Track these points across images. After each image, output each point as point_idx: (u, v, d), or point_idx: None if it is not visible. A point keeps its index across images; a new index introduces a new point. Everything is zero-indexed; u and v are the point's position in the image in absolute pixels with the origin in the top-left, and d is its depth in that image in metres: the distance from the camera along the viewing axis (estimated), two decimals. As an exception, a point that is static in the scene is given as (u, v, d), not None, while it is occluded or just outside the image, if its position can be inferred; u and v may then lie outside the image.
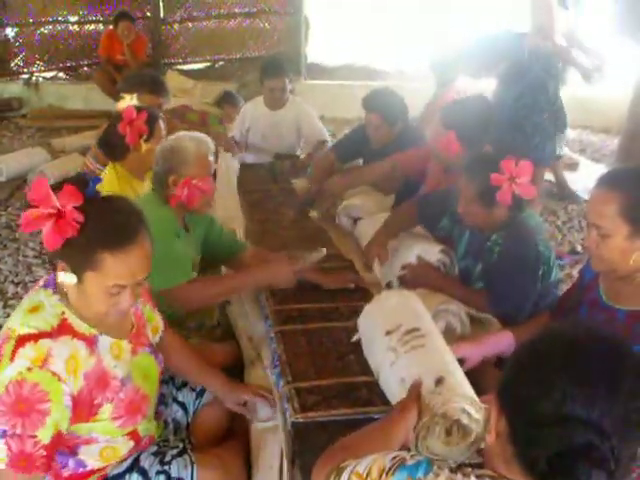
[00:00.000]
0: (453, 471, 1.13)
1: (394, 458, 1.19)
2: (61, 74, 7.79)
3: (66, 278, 1.57)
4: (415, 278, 2.73)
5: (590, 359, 1.07)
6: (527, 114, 4.03)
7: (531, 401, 1.07)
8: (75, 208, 1.49)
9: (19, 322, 1.56)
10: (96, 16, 7.59)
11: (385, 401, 2.04)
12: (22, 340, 1.52)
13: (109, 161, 3.04)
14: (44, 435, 1.50)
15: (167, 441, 1.94)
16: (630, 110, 6.05)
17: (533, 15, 3.90)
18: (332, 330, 2.46)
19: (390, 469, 1.17)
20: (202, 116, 5.25)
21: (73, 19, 7.59)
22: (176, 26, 7.79)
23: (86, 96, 7.25)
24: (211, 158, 2.51)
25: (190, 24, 7.83)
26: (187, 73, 7.72)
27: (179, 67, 7.85)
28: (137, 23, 7.21)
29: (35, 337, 1.53)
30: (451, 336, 2.33)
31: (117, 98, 3.85)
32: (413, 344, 1.96)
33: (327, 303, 2.67)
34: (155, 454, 1.85)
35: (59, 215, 1.48)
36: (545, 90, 4.02)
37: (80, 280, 1.56)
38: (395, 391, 1.87)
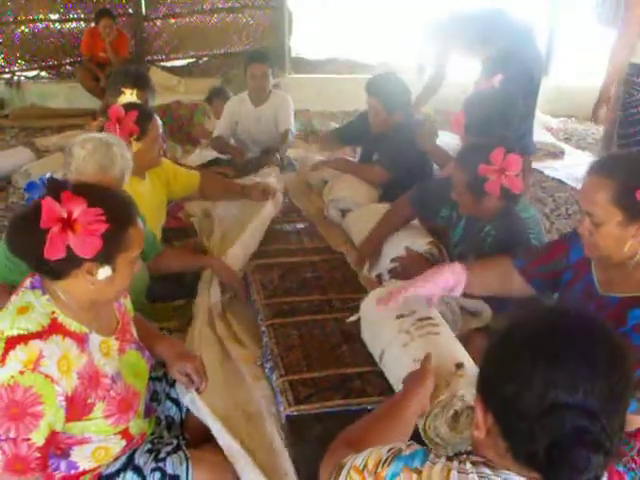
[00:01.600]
0: (450, 459, 1.12)
1: (390, 449, 1.18)
2: (43, 73, 7.71)
3: (104, 274, 1.57)
4: (405, 269, 2.73)
5: (562, 342, 1.06)
6: (513, 103, 4.08)
7: (514, 397, 1.05)
8: (87, 207, 1.50)
9: (8, 324, 1.52)
10: (77, 14, 7.51)
11: (379, 391, 2.05)
12: (12, 342, 1.49)
13: None
14: (38, 437, 1.48)
15: (161, 438, 1.92)
16: (613, 98, 6.09)
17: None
18: (323, 322, 2.47)
19: (386, 460, 1.16)
20: (191, 109, 5.23)
21: (54, 17, 7.51)
22: (158, 22, 7.73)
23: (69, 94, 7.18)
24: (108, 172, 2.31)
25: (173, 20, 7.77)
26: (171, 70, 7.68)
27: (162, 64, 7.79)
28: (119, 20, 7.15)
29: (25, 338, 1.50)
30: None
31: (100, 96, 3.81)
32: (429, 330, 1.99)
33: (317, 295, 2.68)
34: (149, 451, 1.83)
35: (69, 223, 1.48)
36: (530, 78, 4.03)
37: (113, 268, 1.58)
38: (405, 370, 1.86)
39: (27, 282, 1.65)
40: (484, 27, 3.97)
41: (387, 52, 8.84)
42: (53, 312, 1.58)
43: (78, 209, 1.49)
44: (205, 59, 8.06)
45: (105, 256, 1.55)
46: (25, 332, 1.51)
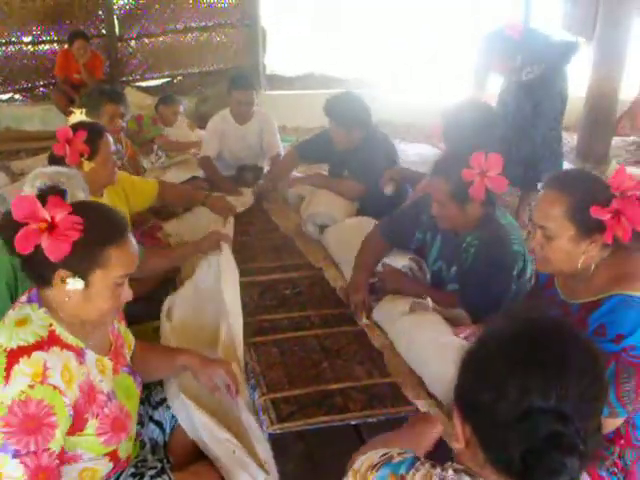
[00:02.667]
0: (433, 466, 1.14)
1: (383, 455, 1.21)
2: (17, 95, 7.67)
3: (74, 285, 1.56)
4: (386, 284, 2.75)
5: (533, 349, 1.07)
6: (537, 123, 4.17)
7: (489, 406, 1.06)
8: (69, 214, 1.51)
9: (6, 336, 1.52)
10: (50, 36, 7.49)
11: (361, 406, 2.06)
12: (14, 355, 1.49)
13: None
14: (56, 446, 1.51)
15: (145, 461, 1.91)
16: (586, 107, 6.19)
17: None
18: (303, 339, 2.47)
19: (376, 465, 1.19)
20: (138, 120, 5.22)
21: (27, 39, 7.48)
22: (132, 43, 7.72)
23: (44, 117, 7.14)
24: None
25: (146, 40, 7.77)
26: (146, 90, 7.67)
27: (137, 84, 7.79)
28: (92, 41, 7.13)
29: (26, 350, 1.50)
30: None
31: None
32: None
33: (297, 312, 2.68)
34: (133, 475, 1.82)
35: (52, 226, 1.49)
36: (562, 99, 4.16)
37: (87, 283, 1.57)
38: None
39: (24, 297, 1.66)
40: (526, 48, 4.03)
41: (360, 67, 8.91)
42: (50, 324, 1.59)
43: (60, 214, 1.51)
44: (180, 78, 8.06)
45: (76, 266, 1.55)
46: (25, 343, 1.51)
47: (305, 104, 7.63)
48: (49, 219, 1.50)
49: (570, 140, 6.85)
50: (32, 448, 1.46)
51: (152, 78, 7.94)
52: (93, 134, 2.79)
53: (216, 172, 4.54)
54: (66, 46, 6.99)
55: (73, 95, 6.72)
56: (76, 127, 2.79)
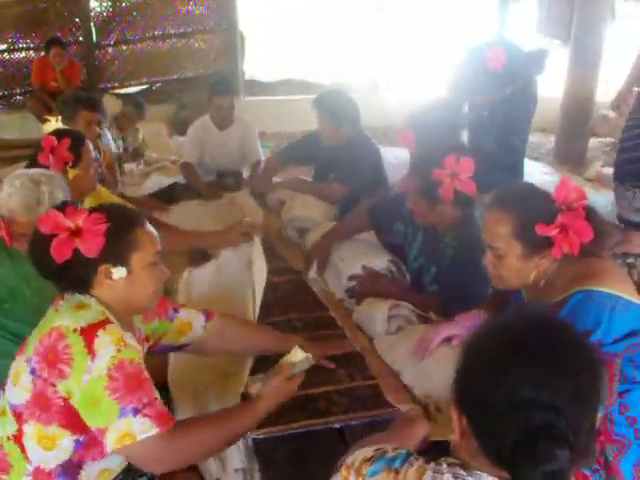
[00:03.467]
0: (427, 461, 1.17)
1: (378, 449, 1.24)
2: (-7, 104, 7.62)
3: (119, 274, 1.65)
4: (364, 288, 2.75)
5: (531, 343, 1.12)
6: (515, 129, 3.93)
7: (485, 395, 1.11)
8: (89, 215, 1.62)
9: (69, 319, 1.58)
10: (26, 43, 7.45)
11: (343, 410, 2.06)
12: (89, 332, 1.55)
13: None
14: (158, 396, 1.61)
15: (132, 471, 1.89)
16: (562, 109, 6.26)
17: None
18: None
19: (371, 458, 1.22)
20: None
21: (2, 47, 7.43)
22: (110, 50, 7.70)
23: (21, 125, 7.08)
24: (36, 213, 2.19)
25: (124, 47, 7.75)
26: (124, 97, 7.64)
27: (116, 91, 7.76)
28: (69, 49, 7.09)
29: (99, 325, 1.57)
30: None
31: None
32: None
33: (279, 317, 2.67)
34: None
35: (78, 230, 1.60)
36: (530, 118, 4.01)
37: (129, 269, 1.66)
38: None
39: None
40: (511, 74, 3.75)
41: (340, 72, 8.94)
42: (103, 311, 1.65)
43: (81, 218, 1.62)
44: (158, 85, 8.05)
45: (115, 255, 1.64)
46: (94, 321, 1.58)
47: (284, 110, 7.66)
48: (72, 226, 1.60)
49: (547, 142, 6.93)
50: (145, 401, 1.55)
51: (130, 85, 7.92)
52: (76, 141, 2.80)
53: (197, 178, 4.54)
54: (43, 53, 6.95)
55: (50, 103, 6.68)
56: (59, 135, 2.79)
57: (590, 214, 1.83)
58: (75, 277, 1.64)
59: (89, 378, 1.52)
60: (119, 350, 1.55)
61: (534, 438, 1.05)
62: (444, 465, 1.14)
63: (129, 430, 1.52)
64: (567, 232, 1.77)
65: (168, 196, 4.34)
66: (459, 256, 2.50)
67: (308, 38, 11.90)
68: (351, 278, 2.81)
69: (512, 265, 1.87)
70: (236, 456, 1.97)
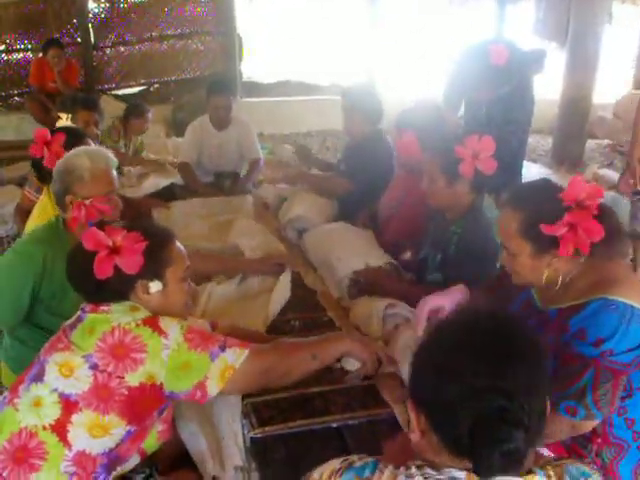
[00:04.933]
0: (397, 467, 1.18)
1: (344, 460, 1.24)
2: (-9, 105, 7.63)
3: (156, 287, 1.77)
4: (367, 283, 2.75)
5: (480, 335, 1.18)
6: (513, 129, 3.91)
7: (439, 389, 1.16)
8: (127, 232, 1.73)
9: (130, 317, 1.70)
10: (24, 44, 7.45)
11: (342, 409, 2.06)
12: (151, 320, 1.70)
13: (44, 186, 2.97)
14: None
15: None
16: (559, 111, 6.28)
17: None
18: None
19: (339, 470, 1.22)
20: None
21: (0, 48, 7.43)
22: (108, 51, 7.71)
23: (19, 126, 7.10)
24: (113, 173, 2.43)
25: (122, 48, 7.76)
26: (122, 98, 7.65)
27: (113, 92, 7.77)
28: (67, 50, 7.10)
29: (155, 316, 1.72)
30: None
31: (51, 126, 3.79)
32: None
33: (277, 316, 2.67)
34: (122, 478, 1.83)
35: (117, 248, 1.70)
36: (529, 118, 4.01)
37: (164, 283, 1.79)
38: None
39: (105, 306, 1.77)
40: (511, 70, 3.76)
41: (338, 73, 8.96)
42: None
43: (120, 236, 1.72)
44: (156, 86, 8.05)
45: (152, 271, 1.76)
46: (148, 315, 1.72)
47: (282, 111, 7.67)
48: (111, 244, 1.71)
49: (545, 144, 6.95)
50: (222, 338, 1.75)
51: (128, 86, 7.93)
52: (73, 137, 2.80)
53: (195, 179, 4.55)
54: (41, 54, 6.95)
55: (48, 104, 6.68)
56: (55, 131, 2.82)
57: (606, 214, 1.80)
58: (112, 291, 1.75)
59: (169, 352, 1.66)
60: (180, 322, 1.73)
61: (490, 422, 1.10)
62: (413, 468, 1.16)
63: (226, 364, 1.70)
64: (576, 231, 1.75)
65: (166, 197, 4.34)
66: (463, 245, 2.54)
67: (306, 40, 11.92)
68: (356, 274, 2.81)
69: (525, 263, 1.87)
70: (236, 454, 1.98)
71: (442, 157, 2.54)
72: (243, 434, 2.01)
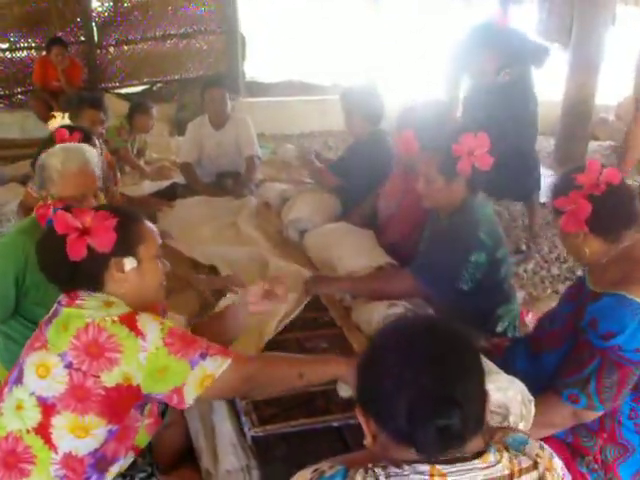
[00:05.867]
0: (365, 470, 1.20)
1: (315, 470, 1.26)
2: (-5, 103, 7.63)
3: (130, 264, 1.73)
4: (317, 288, 2.78)
5: (410, 336, 1.25)
6: (521, 131, 4.01)
7: (378, 389, 1.22)
8: (95, 213, 1.71)
9: (103, 314, 1.64)
10: (28, 42, 7.46)
11: (343, 408, 2.07)
12: (128, 318, 1.64)
13: None
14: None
15: (135, 464, 1.91)
16: (562, 112, 6.28)
17: None
18: (284, 342, 2.47)
19: None
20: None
21: (4, 46, 7.44)
22: (111, 50, 7.72)
23: (22, 124, 7.10)
24: (90, 174, 2.41)
25: (125, 47, 7.76)
26: (125, 97, 7.65)
27: (117, 91, 7.77)
28: (71, 48, 7.11)
29: (133, 313, 1.67)
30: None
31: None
32: None
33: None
34: (123, 476, 1.83)
35: (86, 229, 1.67)
36: (537, 108, 4.06)
37: (138, 260, 1.74)
38: None
39: (82, 295, 1.74)
40: (510, 45, 3.87)
41: (340, 73, 8.95)
42: (128, 308, 1.72)
43: (88, 217, 1.70)
44: (159, 85, 8.06)
45: (125, 248, 1.73)
46: (125, 312, 1.67)
47: (284, 111, 7.67)
48: (81, 225, 1.68)
49: (547, 145, 6.93)
50: (205, 345, 1.69)
51: (131, 85, 7.93)
52: (84, 136, 2.83)
53: (196, 179, 4.55)
54: (44, 53, 6.96)
55: (52, 102, 6.69)
56: (71, 129, 2.82)
57: (622, 193, 1.91)
58: (86, 275, 1.71)
59: (147, 354, 1.61)
60: (161, 323, 1.68)
61: (422, 402, 1.16)
62: (377, 469, 1.19)
63: (205, 372, 1.65)
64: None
65: (168, 196, 4.35)
66: (442, 231, 2.61)
67: (308, 39, 11.92)
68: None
69: (566, 239, 2.01)
70: (229, 454, 1.97)
71: (440, 156, 2.55)
72: (243, 433, 2.02)
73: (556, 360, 1.96)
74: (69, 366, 1.60)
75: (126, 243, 1.73)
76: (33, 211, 2.98)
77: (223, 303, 2.47)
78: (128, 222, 1.76)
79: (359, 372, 1.29)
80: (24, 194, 3.75)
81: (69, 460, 1.62)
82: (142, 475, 1.86)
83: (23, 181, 5.05)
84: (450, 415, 1.14)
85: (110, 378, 1.60)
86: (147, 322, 1.65)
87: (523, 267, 4.41)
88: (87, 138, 2.86)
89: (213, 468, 1.97)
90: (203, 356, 1.66)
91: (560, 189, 1.95)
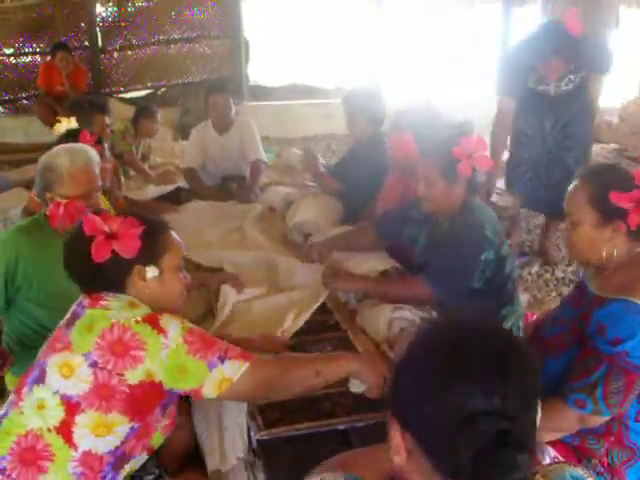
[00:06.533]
0: None
1: None
2: (-1, 108, 7.67)
3: (153, 273, 1.77)
4: (335, 283, 2.77)
5: (472, 353, 1.07)
6: (570, 145, 3.79)
7: (431, 415, 1.05)
8: (122, 219, 1.74)
9: (128, 314, 1.69)
10: (32, 48, 7.49)
11: (348, 411, 2.07)
12: (151, 318, 1.69)
13: None
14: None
15: (144, 466, 1.92)
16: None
17: None
18: (290, 345, 2.47)
19: None
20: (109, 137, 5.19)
21: (9, 51, 7.47)
22: (115, 54, 7.74)
23: (27, 129, 7.13)
24: (94, 171, 2.45)
25: (129, 52, 7.79)
26: (129, 101, 7.68)
27: (121, 95, 7.80)
28: (75, 53, 7.14)
29: (156, 313, 1.71)
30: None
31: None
32: None
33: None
34: (132, 478, 1.84)
35: (113, 234, 1.71)
36: (591, 118, 3.82)
37: (160, 269, 1.78)
38: None
39: (105, 297, 1.77)
40: (582, 51, 3.60)
41: (343, 76, 8.97)
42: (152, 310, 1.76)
43: (116, 222, 1.73)
44: (163, 90, 8.08)
45: (148, 256, 1.76)
46: (148, 313, 1.71)
47: (288, 114, 7.69)
48: (108, 230, 1.72)
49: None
50: (224, 347, 1.73)
51: (135, 89, 7.96)
52: (97, 142, 2.88)
53: (201, 183, 4.56)
54: (49, 58, 6.98)
55: (56, 107, 6.71)
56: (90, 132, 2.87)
57: None
58: (109, 278, 1.75)
59: (168, 351, 1.65)
60: (182, 322, 1.72)
61: (493, 448, 1.01)
62: None
63: (224, 376, 1.69)
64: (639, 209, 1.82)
65: (172, 201, 4.36)
66: (448, 234, 2.59)
67: (311, 43, 11.94)
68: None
69: (585, 235, 1.92)
70: (239, 446, 2.01)
71: (440, 159, 2.55)
72: (249, 435, 2.03)
73: (560, 366, 1.94)
74: (94, 365, 1.64)
75: (150, 252, 1.77)
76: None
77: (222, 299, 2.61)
78: (154, 231, 1.79)
79: (398, 379, 1.13)
80: (28, 199, 3.77)
81: (88, 458, 1.65)
82: (150, 477, 1.88)
83: (28, 186, 5.06)
84: (522, 464, 1.01)
85: (134, 376, 1.63)
86: (169, 321, 1.70)
87: (527, 270, 4.41)
88: (99, 142, 2.92)
89: (221, 463, 1.98)
90: (222, 359, 1.69)
91: (615, 183, 1.88)
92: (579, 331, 1.92)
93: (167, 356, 1.65)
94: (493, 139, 3.94)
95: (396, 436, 1.10)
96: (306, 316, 2.61)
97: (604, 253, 1.91)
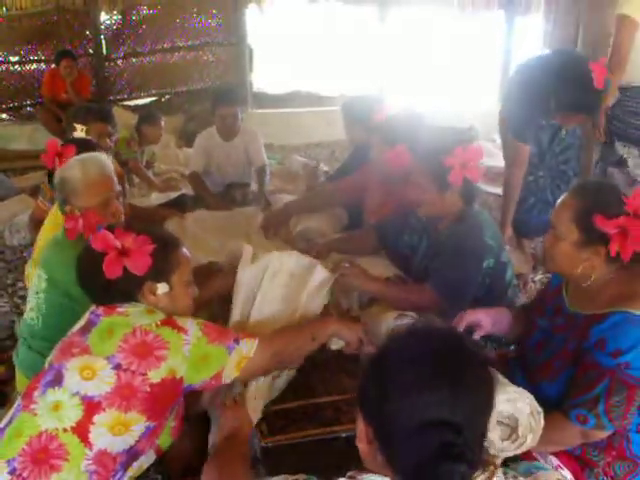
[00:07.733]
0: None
1: None
2: (4, 115, 7.67)
3: (163, 289, 1.85)
4: (350, 279, 2.75)
5: (430, 364, 1.17)
6: (570, 158, 3.67)
7: (389, 417, 1.16)
8: (135, 236, 1.80)
9: (149, 319, 1.77)
10: (37, 55, 7.52)
11: (351, 418, 2.06)
12: (169, 320, 1.78)
13: None
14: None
15: (148, 471, 1.92)
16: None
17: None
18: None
19: None
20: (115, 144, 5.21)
21: (14, 59, 7.50)
22: (120, 62, 7.76)
23: (31, 136, 7.14)
24: (109, 178, 2.43)
25: (134, 59, 7.81)
26: (133, 109, 7.70)
27: (125, 103, 7.82)
28: (80, 61, 7.16)
29: (172, 316, 1.81)
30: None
31: (63, 136, 3.82)
32: None
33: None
34: None
35: (125, 250, 1.77)
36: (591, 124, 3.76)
37: (170, 285, 1.86)
38: None
39: (120, 307, 1.84)
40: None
41: (347, 84, 8.99)
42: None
43: (129, 239, 1.79)
44: (167, 97, 8.10)
45: (159, 273, 1.83)
46: (165, 317, 1.79)
47: (292, 122, 7.70)
48: (120, 246, 1.78)
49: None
50: (234, 332, 1.93)
51: (139, 97, 7.97)
52: (85, 151, 2.79)
53: (205, 188, 4.57)
54: (53, 65, 7.01)
55: (60, 114, 6.72)
56: (68, 142, 2.86)
57: None
58: (121, 292, 1.81)
59: (190, 347, 1.76)
60: (195, 318, 1.85)
61: (436, 459, 1.09)
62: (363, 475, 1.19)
63: (241, 354, 1.85)
64: (626, 235, 1.78)
65: (176, 208, 4.36)
66: (449, 240, 2.59)
67: (315, 51, 11.97)
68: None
69: (566, 250, 1.90)
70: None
71: (432, 166, 2.55)
72: (253, 442, 2.03)
73: (556, 391, 1.92)
74: (117, 367, 1.68)
75: (161, 269, 1.84)
76: (43, 224, 3.02)
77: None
78: (166, 249, 1.86)
79: (368, 375, 1.24)
80: (34, 207, 3.78)
81: (102, 457, 1.67)
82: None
83: (32, 193, 5.09)
84: (458, 474, 1.10)
85: (157, 374, 1.69)
86: (185, 320, 1.81)
87: (531, 277, 4.39)
88: (92, 151, 2.84)
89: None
90: (237, 341, 1.86)
91: (602, 206, 1.84)
92: (571, 354, 1.91)
93: (190, 351, 1.75)
94: (507, 188, 3.69)
95: (360, 425, 1.23)
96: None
97: (579, 270, 1.89)
